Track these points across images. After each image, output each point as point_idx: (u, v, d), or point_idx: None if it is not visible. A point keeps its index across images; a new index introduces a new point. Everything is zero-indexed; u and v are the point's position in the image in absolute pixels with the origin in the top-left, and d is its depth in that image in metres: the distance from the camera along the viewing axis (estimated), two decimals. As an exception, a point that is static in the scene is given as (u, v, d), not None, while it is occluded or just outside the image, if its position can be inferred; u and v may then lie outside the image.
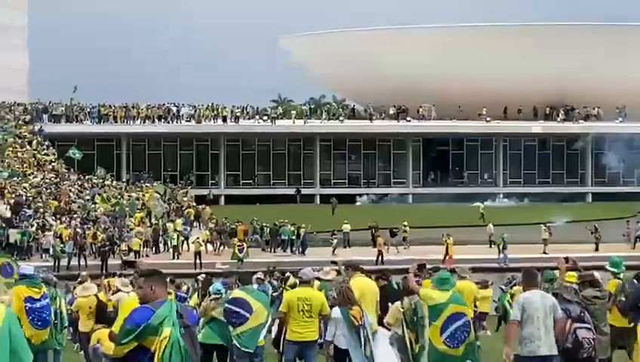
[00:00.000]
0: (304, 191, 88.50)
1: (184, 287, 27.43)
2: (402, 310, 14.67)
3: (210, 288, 19.12)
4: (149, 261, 51.38)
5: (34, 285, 16.24)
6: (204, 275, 26.23)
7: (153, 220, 62.17)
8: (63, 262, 52.86)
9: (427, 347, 14.04)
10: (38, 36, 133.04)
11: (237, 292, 15.96)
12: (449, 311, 13.67)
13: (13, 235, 55.36)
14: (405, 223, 61.56)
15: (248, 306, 15.49)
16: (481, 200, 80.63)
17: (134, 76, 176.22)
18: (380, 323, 15.71)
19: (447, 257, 51.32)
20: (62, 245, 53.14)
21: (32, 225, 56.71)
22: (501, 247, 55.17)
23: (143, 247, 55.54)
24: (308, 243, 58.90)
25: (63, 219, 58.89)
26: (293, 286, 19.49)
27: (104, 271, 43.83)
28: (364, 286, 15.95)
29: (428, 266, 17.78)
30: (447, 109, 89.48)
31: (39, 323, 15.93)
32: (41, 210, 60.78)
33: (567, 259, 15.56)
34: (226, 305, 15.86)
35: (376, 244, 57.03)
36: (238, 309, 15.50)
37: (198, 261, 52.59)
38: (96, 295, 20.07)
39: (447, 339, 13.63)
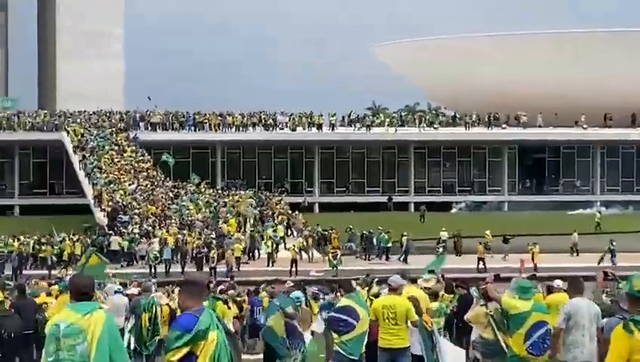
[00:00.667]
0: (399, 198, 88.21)
1: None
2: (490, 313, 14.89)
3: (291, 295, 19.40)
4: (247, 268, 52.00)
5: None
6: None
7: (248, 227, 62.44)
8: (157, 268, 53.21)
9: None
10: (133, 44, 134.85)
11: (344, 301, 15.91)
12: (532, 320, 13.68)
13: (116, 242, 56.07)
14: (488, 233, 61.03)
15: (356, 314, 15.43)
16: (577, 208, 79.81)
17: (230, 83, 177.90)
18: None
19: (533, 265, 51.39)
20: (157, 252, 53.67)
21: (132, 232, 57.44)
22: (609, 256, 54.48)
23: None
24: (410, 251, 58.58)
25: (162, 225, 59.72)
26: (376, 296, 19.53)
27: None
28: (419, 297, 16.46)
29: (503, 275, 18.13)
30: (544, 117, 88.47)
31: None
32: (137, 216, 61.56)
33: (606, 274, 15.89)
34: (333, 313, 15.91)
35: (459, 253, 56.78)
36: (345, 317, 15.44)
37: (293, 268, 52.56)
38: (167, 304, 20.45)
39: (530, 347, 13.63)
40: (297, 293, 19.43)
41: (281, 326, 16.09)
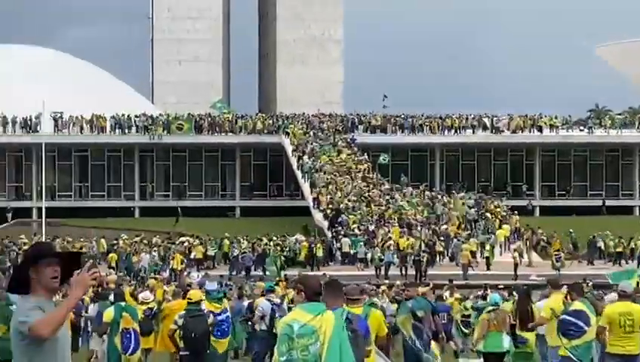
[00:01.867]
0: (623, 203, 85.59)
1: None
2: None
3: (488, 299, 20.01)
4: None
5: (216, 300, 18.60)
6: None
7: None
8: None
9: None
10: (352, 49, 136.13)
11: (578, 304, 15.71)
12: None
13: (346, 244, 56.40)
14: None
15: (587, 319, 15.29)
16: None
17: (446, 85, 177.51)
18: None
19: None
20: (381, 254, 53.60)
21: (355, 234, 57.76)
22: None
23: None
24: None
25: (382, 226, 59.88)
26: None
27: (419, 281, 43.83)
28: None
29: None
30: None
31: (219, 333, 18.14)
32: (356, 217, 61.78)
33: None
34: (565, 316, 15.72)
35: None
36: (577, 321, 15.29)
37: (514, 272, 51.46)
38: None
39: None
40: (496, 297, 19.91)
41: (408, 326, 16.14)
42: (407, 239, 55.72)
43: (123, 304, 18.53)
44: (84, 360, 20.84)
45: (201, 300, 18.10)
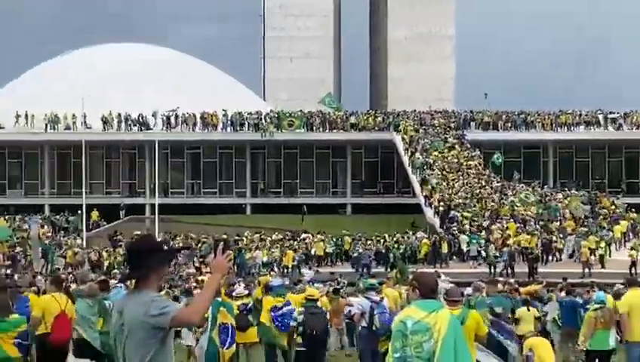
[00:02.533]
0: None
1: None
2: None
3: (594, 297, 20.06)
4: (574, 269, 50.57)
5: (279, 295, 20.13)
6: None
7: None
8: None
9: None
10: (463, 45, 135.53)
11: None
12: None
13: (464, 241, 56.29)
14: None
15: None
16: None
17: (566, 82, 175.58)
18: None
19: None
20: (496, 251, 53.30)
21: (470, 231, 57.99)
22: None
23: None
24: None
25: (495, 222, 59.76)
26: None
27: (531, 278, 43.41)
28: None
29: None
30: None
31: (282, 327, 19.53)
32: (466, 214, 61.54)
33: None
34: None
35: None
36: None
37: (630, 270, 49.74)
38: None
39: None
40: (600, 295, 19.85)
41: (486, 321, 16.15)
42: (523, 235, 55.35)
43: (220, 299, 18.78)
44: (182, 354, 21.05)
45: (320, 297, 18.48)
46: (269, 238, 61.47)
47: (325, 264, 57.10)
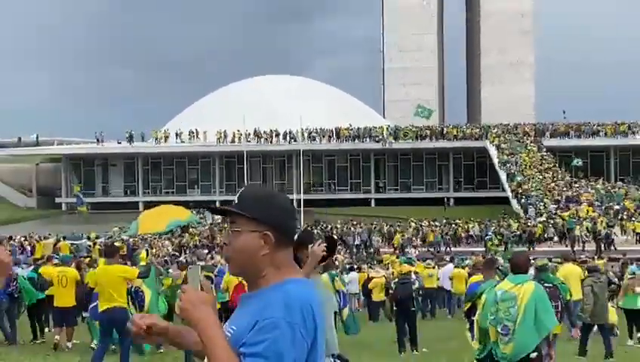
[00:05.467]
0: None
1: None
2: None
3: (628, 269, 19.89)
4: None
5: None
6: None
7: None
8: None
9: None
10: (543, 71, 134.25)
11: None
12: None
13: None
14: None
15: None
16: None
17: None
18: None
19: None
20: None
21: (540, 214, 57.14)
22: None
23: None
24: None
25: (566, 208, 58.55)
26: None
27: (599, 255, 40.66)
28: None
29: None
30: None
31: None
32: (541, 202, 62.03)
33: None
34: None
35: None
36: None
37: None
38: None
39: None
40: (634, 267, 19.96)
41: None
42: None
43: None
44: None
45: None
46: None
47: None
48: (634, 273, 19.57)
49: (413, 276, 23.07)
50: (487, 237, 50.59)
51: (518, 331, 8.66)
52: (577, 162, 77.26)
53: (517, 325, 8.68)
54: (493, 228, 54.52)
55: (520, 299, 8.70)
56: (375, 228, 57.72)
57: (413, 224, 59.02)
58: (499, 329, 8.81)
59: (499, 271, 14.72)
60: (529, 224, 53.96)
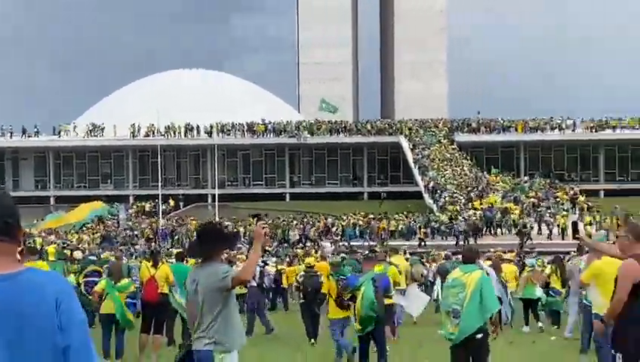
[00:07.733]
0: None
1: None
2: None
3: (528, 263, 20.94)
4: None
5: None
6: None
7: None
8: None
9: None
10: (458, 65, 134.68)
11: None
12: None
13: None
14: None
15: None
16: None
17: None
18: None
19: None
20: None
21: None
22: None
23: None
24: None
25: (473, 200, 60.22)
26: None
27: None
28: None
29: None
30: None
31: None
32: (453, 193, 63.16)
33: None
34: None
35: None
36: None
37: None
38: None
39: None
40: (532, 261, 21.18)
41: None
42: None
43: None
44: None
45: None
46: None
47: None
48: (533, 266, 20.82)
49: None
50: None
51: (465, 314, 9.52)
52: (497, 172, 78.37)
53: (464, 308, 9.54)
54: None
55: (468, 286, 9.58)
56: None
57: (324, 219, 59.96)
58: (449, 312, 9.67)
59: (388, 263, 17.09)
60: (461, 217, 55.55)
